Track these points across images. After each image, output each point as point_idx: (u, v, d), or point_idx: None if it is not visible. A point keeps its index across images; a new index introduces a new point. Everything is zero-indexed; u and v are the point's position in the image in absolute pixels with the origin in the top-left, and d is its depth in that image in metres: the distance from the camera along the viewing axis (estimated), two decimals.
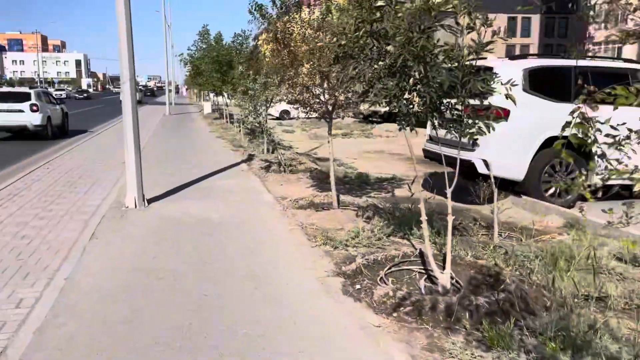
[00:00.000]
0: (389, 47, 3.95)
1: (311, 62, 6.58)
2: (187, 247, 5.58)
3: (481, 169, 7.55)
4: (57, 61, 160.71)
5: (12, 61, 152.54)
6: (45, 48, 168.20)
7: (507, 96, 3.99)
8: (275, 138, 10.50)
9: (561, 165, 7.75)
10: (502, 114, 7.69)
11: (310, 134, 27.95)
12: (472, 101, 4.19)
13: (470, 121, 4.37)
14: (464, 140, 7.61)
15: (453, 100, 4.36)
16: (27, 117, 17.56)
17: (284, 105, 36.34)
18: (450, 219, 4.64)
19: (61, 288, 4.49)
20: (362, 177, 11.43)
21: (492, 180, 6.42)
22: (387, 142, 24.06)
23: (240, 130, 20.28)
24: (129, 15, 7.17)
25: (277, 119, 36.57)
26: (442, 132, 7.85)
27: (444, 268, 4.57)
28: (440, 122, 4.55)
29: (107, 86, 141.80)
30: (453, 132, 4.55)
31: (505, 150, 7.58)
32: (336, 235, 5.99)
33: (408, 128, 4.48)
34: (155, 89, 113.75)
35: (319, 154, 18.88)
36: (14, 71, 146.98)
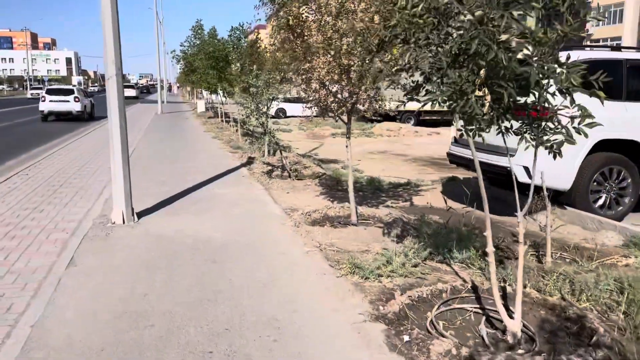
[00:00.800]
0: (453, 29, 2.97)
1: (329, 54, 5.57)
2: (185, 281, 4.57)
3: (522, 177, 6.58)
4: (47, 59, 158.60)
5: (2, 59, 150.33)
6: (35, 46, 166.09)
7: (592, 94, 3.11)
8: (278, 140, 9.42)
9: (612, 172, 6.79)
10: (541, 114, 6.75)
11: (309, 133, 26.95)
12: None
13: (550, 125, 3.39)
14: (499, 143, 6.54)
15: (529, 100, 3.39)
16: (72, 105, 26.48)
17: (279, 103, 35.64)
18: (522, 250, 3.66)
19: (24, 341, 3.47)
20: (374, 183, 10.44)
21: (545, 192, 5.45)
22: (389, 142, 23.11)
23: (237, 130, 19.24)
24: None
25: (273, 117, 35.52)
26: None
27: (505, 306, 3.61)
28: (508, 127, 3.57)
29: (90, 89, 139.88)
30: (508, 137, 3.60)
31: (550, 156, 6.60)
32: (363, 259, 5.00)
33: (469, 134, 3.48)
34: (149, 86, 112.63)
35: (320, 155, 17.89)
36: (3, 69, 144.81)
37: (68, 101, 26.25)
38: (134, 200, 6.96)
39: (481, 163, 7.17)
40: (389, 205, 8.24)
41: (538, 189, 7.07)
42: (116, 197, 6.41)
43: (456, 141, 8.09)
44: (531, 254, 5.53)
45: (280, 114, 35.24)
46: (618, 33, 54.46)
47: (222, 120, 23.02)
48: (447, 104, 3.11)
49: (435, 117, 30.69)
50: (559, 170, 6.64)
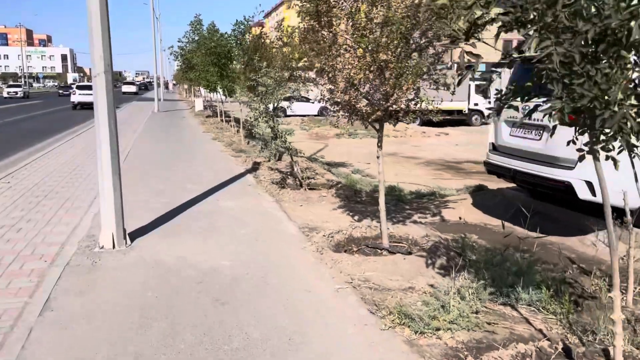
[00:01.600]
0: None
1: (365, 48, 4.59)
2: (189, 334, 3.57)
3: (583, 193, 5.59)
4: (42, 55, 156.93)
5: None
6: (30, 42, 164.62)
7: None
8: (290, 146, 8.44)
9: None
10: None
11: (312, 133, 25.94)
12: None
13: None
14: (559, 153, 5.48)
15: None
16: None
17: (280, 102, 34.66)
18: (619, 322, 2.67)
19: None
20: (394, 193, 9.47)
21: (629, 216, 4.48)
22: (397, 144, 22.13)
23: (238, 131, 18.22)
24: None
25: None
26: (519, 141, 5.89)
27: None
28: None
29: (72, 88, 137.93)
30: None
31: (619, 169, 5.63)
32: (408, 301, 4.03)
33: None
34: (147, 83, 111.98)
35: (327, 157, 16.91)
36: None
37: (92, 94, 32.79)
38: (126, 216, 5.97)
39: (532, 176, 6.24)
40: (417, 221, 7.28)
41: (599, 206, 6.14)
42: (105, 216, 5.41)
43: (495, 148, 7.10)
44: (598, 285, 4.57)
45: (280, 113, 34.15)
46: None
47: (222, 120, 22.00)
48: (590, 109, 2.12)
49: (441, 117, 29.67)
50: (629, 186, 5.67)
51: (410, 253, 5.35)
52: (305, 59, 10.51)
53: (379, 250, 5.52)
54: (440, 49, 4.77)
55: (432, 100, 5.07)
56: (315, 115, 31.72)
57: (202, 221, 6.56)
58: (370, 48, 4.51)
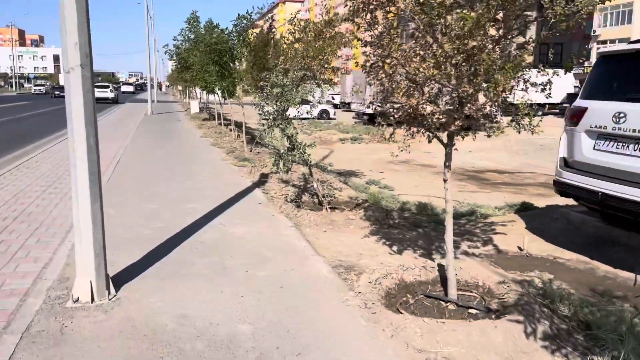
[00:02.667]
0: None
1: (442, 33, 3.26)
2: None
3: None
4: (34, 56, 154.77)
5: None
6: (22, 43, 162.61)
7: None
8: (309, 157, 7.09)
9: None
10: None
11: (314, 138, 24.58)
12: None
13: None
14: None
15: None
16: (108, 94, 45.13)
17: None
18: None
19: None
20: (427, 212, 8.16)
21: None
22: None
23: (239, 136, 16.85)
24: None
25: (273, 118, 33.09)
26: (611, 157, 4.61)
27: None
28: None
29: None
30: None
31: None
32: None
33: None
34: (142, 84, 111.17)
35: (335, 165, 15.55)
36: None
37: (106, 91, 45.63)
38: (112, 249, 4.66)
39: (634, 203, 4.92)
40: (468, 252, 5.99)
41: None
42: (81, 260, 4.04)
43: (568, 165, 5.77)
44: None
45: None
46: (627, 34, 52.66)
47: (220, 124, 20.61)
48: None
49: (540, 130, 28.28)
50: None
51: (489, 310, 4.01)
52: (321, 56, 9.21)
53: (442, 303, 4.19)
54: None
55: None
56: (316, 119, 30.41)
57: (208, 257, 5.19)
58: (457, 31, 3.17)
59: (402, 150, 4.24)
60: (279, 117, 6.81)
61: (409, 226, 6.96)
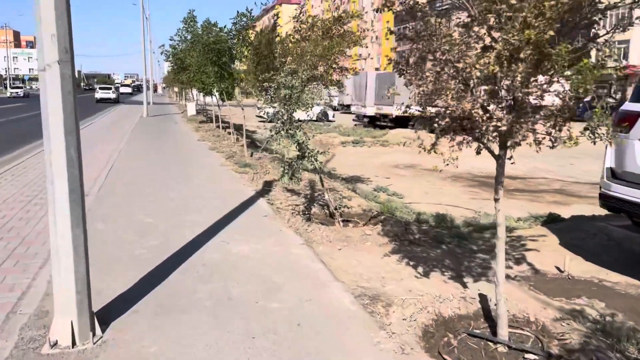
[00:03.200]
0: None
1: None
2: None
3: None
4: (29, 57, 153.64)
5: None
6: (17, 44, 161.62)
7: None
8: (322, 165, 6.43)
9: None
10: None
11: (315, 141, 23.86)
12: None
13: None
14: None
15: None
16: (111, 95, 51.15)
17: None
18: None
19: None
20: (446, 224, 7.52)
21: None
22: (411, 153, 20.08)
23: (238, 140, 16.18)
24: None
25: (270, 121, 32.33)
26: None
27: None
28: None
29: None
30: None
31: None
32: None
33: None
34: (139, 85, 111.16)
35: (338, 169, 14.88)
36: None
37: (109, 92, 51.81)
38: (100, 274, 4.01)
39: None
40: (512, 276, 5.31)
41: None
42: (60, 296, 3.36)
43: (616, 176, 5.11)
44: None
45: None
46: (625, 37, 52.24)
47: (219, 127, 19.92)
48: None
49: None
50: None
51: (550, 356, 3.35)
52: (328, 55, 8.55)
53: (490, 344, 3.53)
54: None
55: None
56: (314, 121, 29.73)
57: (211, 283, 4.51)
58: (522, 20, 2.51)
59: (447, 164, 3.56)
60: (287, 122, 6.14)
61: (431, 242, 6.30)
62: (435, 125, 3.26)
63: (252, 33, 11.92)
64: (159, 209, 7.25)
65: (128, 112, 33.91)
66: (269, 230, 6.27)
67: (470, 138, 3.36)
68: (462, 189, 12.64)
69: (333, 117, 36.56)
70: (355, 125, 30.67)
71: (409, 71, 3.28)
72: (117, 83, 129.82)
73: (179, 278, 4.62)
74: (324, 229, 6.28)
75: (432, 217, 7.94)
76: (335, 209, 6.66)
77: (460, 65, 2.87)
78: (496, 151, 3.47)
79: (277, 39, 8.70)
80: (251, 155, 12.81)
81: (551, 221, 7.58)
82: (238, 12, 11.82)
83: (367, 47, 9.37)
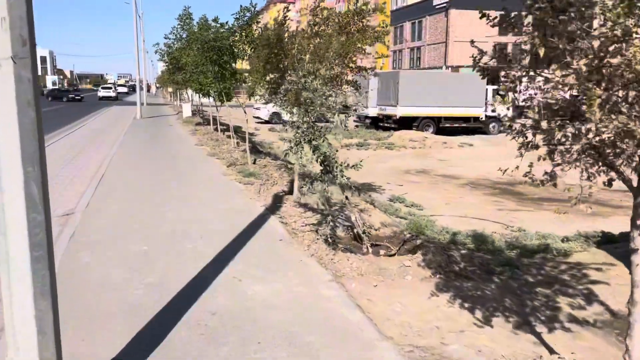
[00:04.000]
0: None
1: None
2: None
3: None
4: None
5: None
6: None
7: None
8: (347, 182, 5.40)
9: None
10: None
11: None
12: None
13: None
14: None
15: None
16: (111, 93, 60.19)
17: (274, 107, 31.28)
18: None
19: None
20: (487, 245, 6.55)
21: None
22: (419, 157, 19.13)
23: (238, 144, 15.16)
24: None
25: (267, 122, 31.27)
26: None
27: None
28: None
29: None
30: None
31: None
32: None
33: None
34: (134, 85, 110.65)
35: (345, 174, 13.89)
36: None
37: (109, 91, 59.64)
38: (81, 332, 3.05)
39: None
40: (577, 317, 4.36)
41: None
42: None
43: None
44: None
45: (275, 118, 31.30)
46: None
47: (217, 129, 18.86)
48: None
49: (456, 125, 26.89)
50: None
51: None
52: (345, 53, 7.56)
53: None
54: None
55: None
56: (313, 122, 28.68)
57: (225, 345, 3.50)
58: None
59: (575, 204, 2.57)
60: (309, 131, 5.13)
61: (480, 272, 5.33)
62: (564, 150, 2.25)
63: (256, 29, 10.90)
64: (155, 232, 6.23)
65: (121, 113, 32.77)
66: (287, 261, 5.26)
67: (606, 167, 2.36)
68: (484, 198, 11.68)
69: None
70: (357, 126, 29.68)
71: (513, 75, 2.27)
72: (110, 83, 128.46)
73: (183, 336, 3.61)
74: (353, 259, 5.27)
75: (469, 237, 6.96)
76: (364, 232, 5.66)
77: (616, 61, 1.88)
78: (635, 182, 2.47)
79: (286, 34, 7.68)
80: (254, 162, 11.79)
81: (607, 242, 6.62)
82: (241, 6, 10.80)
83: (388, 44, 8.41)
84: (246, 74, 11.14)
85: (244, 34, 11.21)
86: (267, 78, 7.97)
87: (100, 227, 6.46)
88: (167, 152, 14.08)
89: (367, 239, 5.67)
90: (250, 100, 12.30)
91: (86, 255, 5.35)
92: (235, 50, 11.49)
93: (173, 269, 4.95)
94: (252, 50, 11.34)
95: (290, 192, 8.73)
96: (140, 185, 9.32)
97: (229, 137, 17.43)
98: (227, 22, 11.54)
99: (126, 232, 6.24)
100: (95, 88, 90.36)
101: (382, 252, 5.64)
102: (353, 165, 5.39)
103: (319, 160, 5.23)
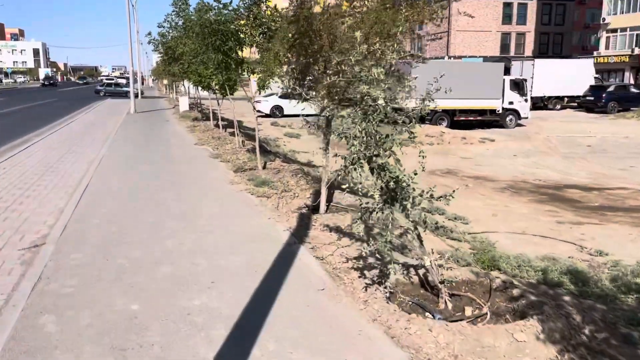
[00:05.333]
0: None
1: None
2: None
3: None
4: (12, 50, 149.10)
5: None
6: (1, 36, 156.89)
7: None
8: (424, 216, 3.72)
9: None
10: None
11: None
12: None
13: None
14: None
15: None
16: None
17: (275, 99, 29.44)
18: None
19: None
20: (591, 286, 4.93)
21: None
22: (440, 154, 17.37)
23: (243, 142, 13.47)
24: None
25: (268, 116, 29.48)
26: None
27: None
28: None
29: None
30: None
31: None
32: None
33: None
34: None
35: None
36: None
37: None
38: None
39: None
40: None
41: None
42: None
43: None
44: None
45: (277, 112, 29.61)
46: (638, 22, 49.95)
47: (218, 126, 17.15)
48: None
49: (471, 118, 25.21)
50: None
51: None
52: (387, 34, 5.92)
53: None
54: None
55: None
56: (317, 116, 27.00)
57: None
58: None
59: None
60: (372, 143, 3.49)
61: (616, 344, 3.71)
62: None
63: (266, 10, 9.22)
64: (149, 276, 4.59)
65: (114, 106, 30.94)
66: (340, 331, 3.63)
67: None
68: (534, 206, 10.03)
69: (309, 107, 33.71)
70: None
71: None
72: (113, 76, 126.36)
73: None
74: (437, 328, 3.64)
75: (562, 274, 5.34)
76: (442, 282, 4.02)
77: None
78: None
79: (317, 7, 5.99)
80: (264, 167, 10.13)
81: None
82: None
83: (438, 24, 6.80)
84: (254, 64, 9.44)
85: (251, 15, 9.51)
86: (290, 66, 6.29)
87: (77, 266, 4.81)
88: (163, 154, 12.38)
89: (445, 292, 4.04)
90: (260, 94, 10.62)
91: (50, 321, 3.72)
92: (241, 35, 9.77)
93: (173, 345, 3.32)
94: (261, 35, 9.68)
95: (316, 207, 7.11)
96: (132, 198, 7.66)
97: (231, 134, 15.76)
98: (230, 2, 9.82)
99: (111, 275, 4.59)
100: (79, 82, 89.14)
101: (467, 310, 4.02)
102: (440, 197, 3.75)
103: (384, 184, 3.58)
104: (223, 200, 7.60)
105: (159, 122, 21.44)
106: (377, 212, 3.70)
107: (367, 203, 4.21)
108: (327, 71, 4.95)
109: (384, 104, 3.58)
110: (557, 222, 8.80)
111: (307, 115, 19.61)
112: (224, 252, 5.25)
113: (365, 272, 4.66)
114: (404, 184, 3.59)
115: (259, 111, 30.27)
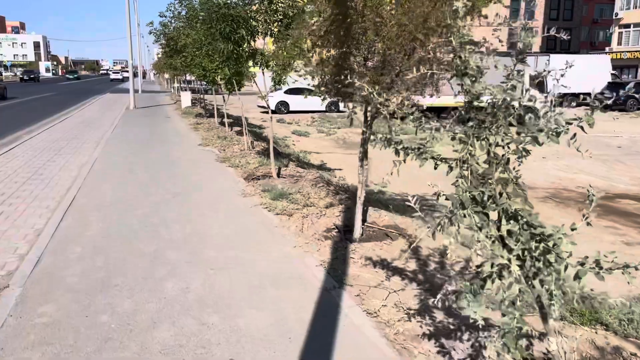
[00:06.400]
0: None
1: None
2: None
3: None
4: (13, 43, 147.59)
5: None
6: (2, 29, 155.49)
7: None
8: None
9: None
10: None
11: (335, 138, 19.84)
12: None
13: None
14: None
15: None
16: (119, 76, 78.28)
17: (280, 95, 28.03)
18: None
19: None
20: None
21: None
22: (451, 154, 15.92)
23: (252, 143, 12.18)
24: None
25: (274, 112, 28.14)
26: None
27: None
28: None
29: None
30: None
31: None
32: None
33: None
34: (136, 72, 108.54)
35: (388, 188, 10.97)
36: None
37: (118, 74, 78.93)
38: None
39: None
40: None
41: None
42: None
43: None
44: None
45: (282, 108, 28.25)
46: None
47: (223, 123, 15.83)
48: None
49: None
50: None
51: None
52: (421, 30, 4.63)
53: None
54: None
55: None
56: (323, 112, 25.65)
57: None
58: None
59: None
60: (483, 179, 2.21)
61: None
62: None
63: None
64: (141, 349, 3.30)
65: (113, 102, 29.61)
66: None
67: None
68: (594, 222, 8.74)
69: (344, 106, 32.43)
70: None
71: None
72: (118, 69, 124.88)
73: None
74: None
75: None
76: None
77: None
78: None
79: None
80: (278, 175, 8.82)
81: None
82: None
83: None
84: (272, 57, 8.12)
85: (265, 1, 8.20)
86: (321, 56, 4.98)
87: (45, 327, 3.54)
88: (164, 157, 11.07)
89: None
90: (275, 89, 9.33)
91: None
92: (254, 23, 8.44)
93: None
94: (277, 23, 8.38)
95: (348, 227, 5.84)
96: (125, 215, 6.37)
97: (238, 133, 14.47)
98: None
99: (89, 345, 3.31)
100: (69, 77, 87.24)
101: None
102: (621, 267, 2.41)
103: (523, 248, 2.29)
104: (235, 220, 6.30)
105: (159, 119, 20.12)
106: (492, 279, 2.40)
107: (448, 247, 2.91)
108: (409, 61, 3.67)
109: (503, 111, 2.29)
110: (623, 242, 7.50)
111: (315, 112, 18.07)
112: (243, 303, 3.96)
113: (443, 340, 3.37)
114: (553, 244, 2.30)
115: (263, 107, 29.08)
